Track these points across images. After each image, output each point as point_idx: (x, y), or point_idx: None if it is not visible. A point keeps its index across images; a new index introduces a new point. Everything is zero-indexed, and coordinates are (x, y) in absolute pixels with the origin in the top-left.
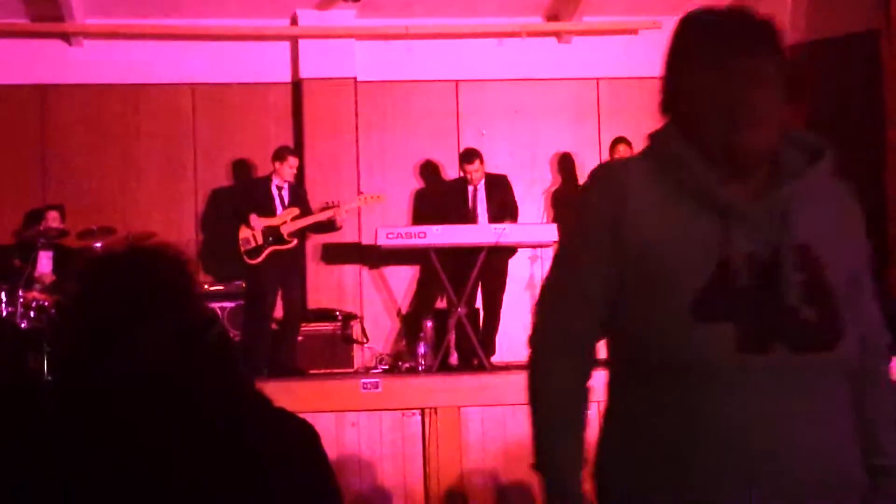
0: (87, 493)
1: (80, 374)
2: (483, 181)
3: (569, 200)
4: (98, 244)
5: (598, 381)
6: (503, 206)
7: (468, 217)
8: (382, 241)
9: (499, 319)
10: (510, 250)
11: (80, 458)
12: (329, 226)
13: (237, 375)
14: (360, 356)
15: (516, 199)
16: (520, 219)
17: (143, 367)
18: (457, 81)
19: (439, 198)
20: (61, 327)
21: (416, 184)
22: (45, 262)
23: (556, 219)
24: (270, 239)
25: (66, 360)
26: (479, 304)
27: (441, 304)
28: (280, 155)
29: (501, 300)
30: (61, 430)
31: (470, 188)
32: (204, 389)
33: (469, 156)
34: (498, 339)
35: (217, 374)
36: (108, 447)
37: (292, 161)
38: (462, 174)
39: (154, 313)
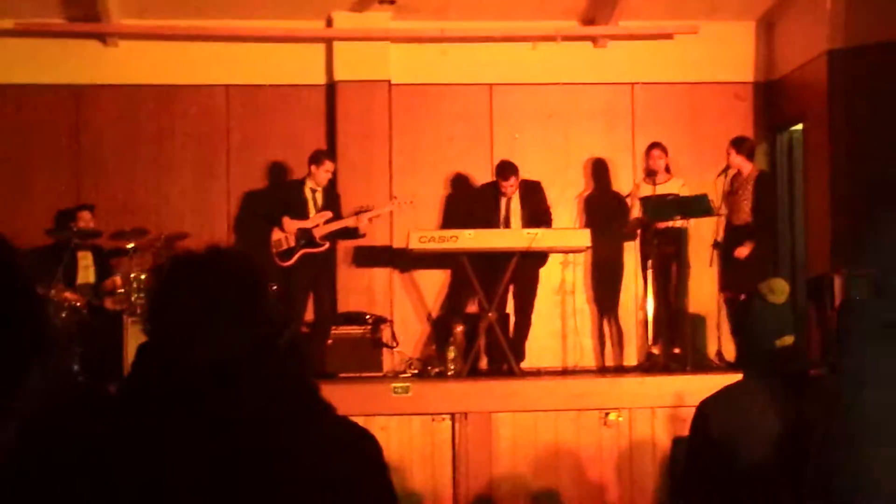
0: (154, 495)
1: (156, 371)
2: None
3: (602, 206)
4: (131, 245)
5: None
6: (536, 212)
7: (500, 223)
8: (414, 245)
9: (529, 325)
10: (542, 256)
11: (152, 459)
12: (352, 232)
13: (303, 381)
14: (389, 360)
15: (549, 204)
16: (553, 224)
17: (217, 366)
18: (491, 85)
19: (471, 203)
20: (143, 323)
21: (449, 188)
22: (83, 263)
23: (589, 224)
24: (303, 242)
25: (144, 357)
26: (509, 309)
27: (471, 308)
28: (317, 158)
29: (532, 305)
30: (134, 431)
31: (503, 199)
32: (268, 392)
33: (505, 172)
34: (528, 344)
35: (283, 379)
36: (177, 447)
37: (328, 165)
38: (497, 186)
39: (231, 314)
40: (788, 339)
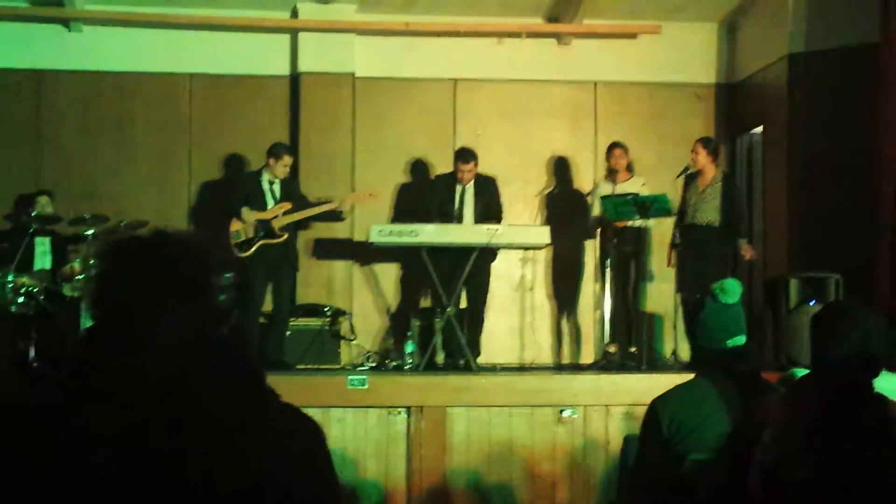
0: (92, 481)
1: (94, 354)
2: (473, 181)
3: (563, 204)
4: (90, 231)
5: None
6: (489, 207)
7: (454, 215)
8: (375, 239)
9: (483, 319)
10: (494, 252)
11: (85, 446)
12: (334, 216)
13: (250, 367)
14: (347, 353)
15: (502, 201)
16: (513, 220)
17: (158, 350)
18: (455, 80)
19: (427, 193)
20: (86, 306)
21: (411, 181)
22: (41, 249)
23: (550, 221)
24: (261, 233)
25: (84, 339)
26: (463, 304)
27: (428, 302)
28: (275, 152)
29: (485, 300)
30: (68, 418)
31: (458, 187)
32: (216, 378)
33: (466, 156)
34: (484, 340)
35: (230, 364)
36: (115, 435)
37: (287, 160)
38: (454, 171)
39: (174, 298)
40: (740, 340)
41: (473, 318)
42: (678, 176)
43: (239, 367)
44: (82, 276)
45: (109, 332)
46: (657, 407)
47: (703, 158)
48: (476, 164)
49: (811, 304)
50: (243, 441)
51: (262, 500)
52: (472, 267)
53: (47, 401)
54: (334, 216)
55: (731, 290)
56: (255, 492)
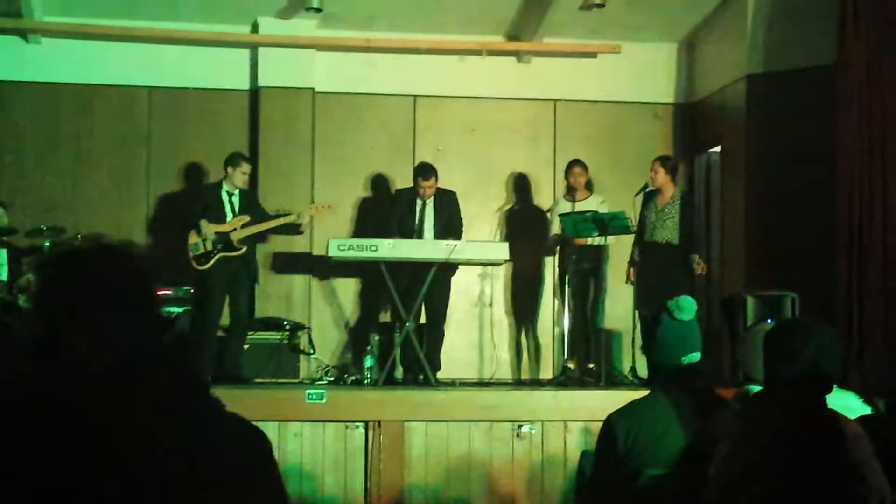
0: (34, 493)
1: (33, 367)
2: (433, 195)
3: (522, 220)
4: (47, 243)
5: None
6: (450, 222)
7: (414, 231)
8: (334, 253)
9: (443, 335)
10: (453, 267)
11: (28, 459)
12: (293, 228)
13: (191, 377)
14: (306, 367)
15: (462, 217)
16: (471, 236)
17: (98, 362)
18: (415, 97)
19: (387, 207)
20: (27, 314)
21: (370, 196)
22: None
23: (509, 238)
24: (220, 245)
25: (24, 352)
26: (422, 319)
27: (387, 317)
28: (233, 160)
29: (445, 315)
30: (8, 428)
31: (419, 202)
32: (158, 389)
33: (426, 172)
34: (444, 355)
35: (172, 375)
36: (53, 446)
37: (245, 167)
38: (415, 187)
39: (115, 309)
40: (695, 356)
41: (433, 333)
42: (637, 194)
43: (182, 377)
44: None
45: (50, 344)
46: (613, 422)
47: (661, 177)
48: (436, 180)
49: (768, 321)
50: (187, 450)
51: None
52: (432, 282)
53: None
54: (293, 229)
55: (687, 308)
56: (200, 501)
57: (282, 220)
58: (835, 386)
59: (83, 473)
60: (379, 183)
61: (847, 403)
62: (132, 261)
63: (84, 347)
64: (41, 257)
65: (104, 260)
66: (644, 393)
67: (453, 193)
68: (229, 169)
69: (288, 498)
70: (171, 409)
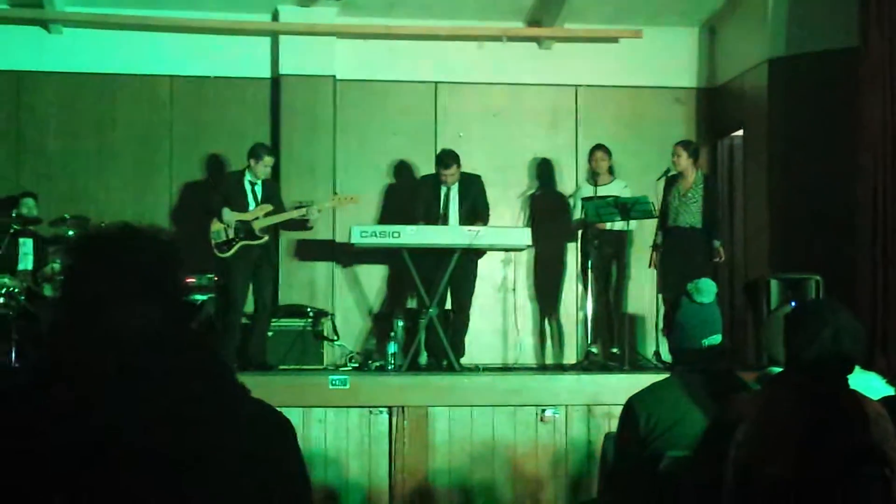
0: (62, 472)
1: (62, 348)
2: (458, 181)
3: (544, 206)
4: (71, 232)
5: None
6: (475, 207)
7: (439, 217)
8: (356, 240)
9: (468, 320)
10: (478, 252)
11: (58, 436)
12: (301, 224)
13: (218, 363)
14: (330, 354)
15: (488, 201)
16: (494, 222)
17: (126, 344)
18: (436, 83)
19: (411, 195)
20: (53, 300)
21: (392, 184)
22: (24, 250)
23: (531, 223)
24: (242, 234)
25: (51, 333)
26: (448, 304)
27: (412, 303)
28: (256, 153)
29: (470, 301)
30: (38, 409)
31: (443, 188)
32: (183, 373)
33: (446, 159)
34: (468, 340)
35: (198, 360)
36: (84, 426)
37: (268, 160)
38: (437, 174)
39: (142, 292)
40: (716, 339)
41: (458, 319)
42: (659, 178)
43: (207, 362)
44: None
45: (75, 326)
46: (634, 405)
47: (684, 161)
48: (458, 167)
49: (791, 305)
50: (210, 436)
51: (230, 494)
52: (458, 268)
53: (13, 399)
54: (302, 225)
55: (707, 290)
56: (224, 486)
57: (304, 212)
58: (858, 367)
59: (104, 457)
60: (401, 170)
61: (870, 384)
62: (159, 245)
63: (107, 330)
64: (69, 241)
65: (131, 244)
66: (666, 376)
67: (478, 177)
68: (252, 161)
69: (310, 486)
70: (195, 394)
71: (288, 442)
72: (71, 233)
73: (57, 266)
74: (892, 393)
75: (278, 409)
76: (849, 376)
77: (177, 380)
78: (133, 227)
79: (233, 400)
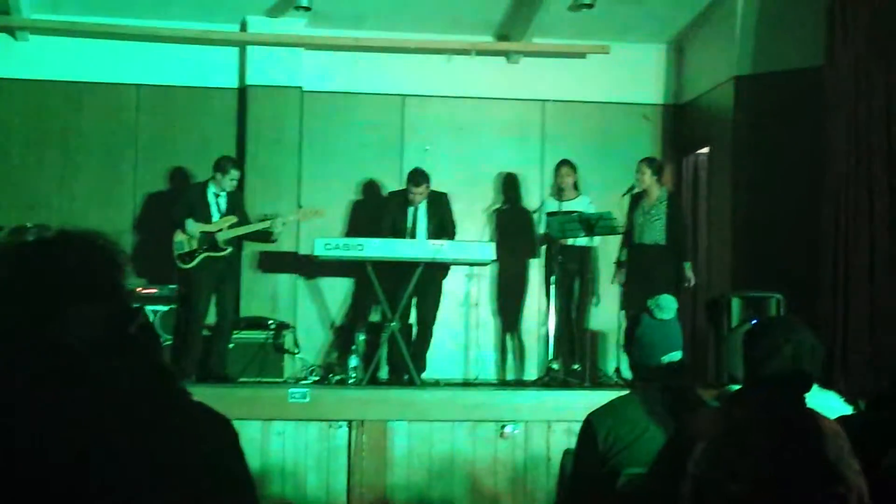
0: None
1: (6, 354)
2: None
3: (510, 220)
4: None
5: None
6: (442, 223)
7: (407, 232)
8: (320, 252)
9: (431, 336)
10: (444, 267)
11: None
12: (265, 237)
13: (158, 367)
14: (291, 366)
15: (454, 217)
16: (460, 236)
17: (64, 350)
18: (403, 96)
19: (378, 211)
20: None
21: (358, 197)
22: None
23: (496, 238)
24: (205, 245)
25: None
26: (412, 319)
27: (375, 317)
28: (222, 166)
29: (434, 316)
30: None
31: (410, 205)
32: (124, 377)
33: (417, 178)
34: (431, 355)
35: (138, 364)
36: (28, 430)
37: (234, 174)
38: (407, 193)
39: (81, 298)
40: (676, 355)
41: (421, 334)
42: (623, 195)
43: (148, 366)
44: None
45: (14, 335)
46: (593, 421)
47: (647, 178)
48: (428, 187)
49: (753, 323)
50: (152, 439)
51: (170, 497)
52: (423, 282)
53: None
54: (265, 237)
55: (667, 307)
56: (164, 490)
57: (267, 224)
58: (816, 385)
59: (46, 462)
60: (368, 183)
61: (828, 403)
62: (95, 249)
63: (48, 335)
64: (2, 247)
65: (67, 248)
66: (626, 392)
67: (445, 195)
68: (218, 174)
69: (254, 487)
70: (135, 398)
71: (230, 445)
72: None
73: None
74: (850, 412)
75: (238, 421)
76: (807, 395)
77: (115, 383)
78: (68, 231)
79: (172, 403)
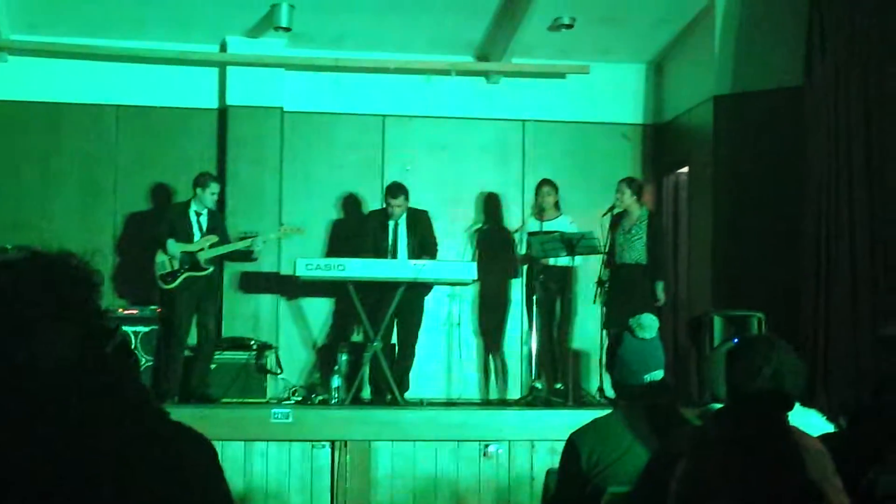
0: None
1: None
2: (405, 215)
3: (491, 240)
4: None
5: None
6: (423, 242)
7: (388, 251)
8: (301, 272)
9: (413, 355)
10: (426, 286)
11: None
12: (245, 255)
13: (135, 386)
14: (273, 387)
15: (436, 235)
16: (441, 255)
17: (38, 371)
18: (384, 116)
19: (359, 229)
20: None
21: (339, 216)
22: None
23: (478, 258)
24: (186, 265)
25: None
26: (394, 338)
27: (357, 337)
28: (201, 181)
29: (416, 336)
30: None
31: (391, 222)
32: (100, 397)
33: (395, 190)
34: (413, 375)
35: (114, 384)
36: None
37: (214, 188)
38: (385, 206)
39: (54, 318)
40: (658, 375)
41: (403, 353)
42: (604, 215)
43: (123, 386)
44: None
45: None
46: (576, 440)
47: (627, 198)
48: (406, 199)
49: (734, 342)
50: (128, 460)
51: None
52: (404, 302)
53: None
54: (246, 256)
55: (649, 326)
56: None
57: (248, 243)
58: (798, 404)
59: (19, 484)
60: (348, 202)
61: (809, 421)
62: (68, 270)
63: (22, 358)
64: None
65: (38, 269)
66: (609, 412)
67: (425, 213)
68: (198, 190)
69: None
70: (109, 419)
71: (208, 463)
72: None
73: None
74: (832, 430)
75: (221, 442)
76: (789, 413)
77: (87, 405)
78: (39, 252)
79: (149, 423)
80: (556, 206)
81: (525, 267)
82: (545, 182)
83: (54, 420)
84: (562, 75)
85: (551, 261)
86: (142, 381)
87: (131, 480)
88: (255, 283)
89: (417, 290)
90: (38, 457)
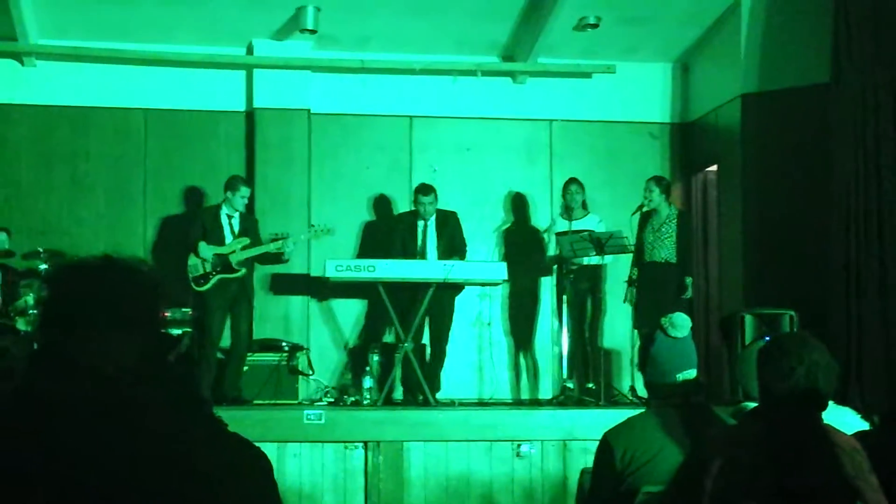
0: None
1: (37, 378)
2: (434, 217)
3: (519, 240)
4: (43, 266)
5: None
6: (452, 242)
7: (417, 252)
8: (332, 274)
9: (444, 355)
10: (457, 287)
11: (31, 464)
12: (276, 257)
13: (194, 397)
14: (305, 388)
15: (464, 236)
16: (470, 256)
17: (101, 377)
18: (411, 117)
19: (389, 231)
20: (35, 330)
21: (368, 217)
22: None
23: (506, 258)
24: (219, 268)
25: (35, 364)
26: (425, 339)
27: (388, 338)
28: (232, 185)
29: (447, 336)
30: (13, 436)
31: (420, 223)
32: (158, 405)
33: (426, 188)
34: (445, 375)
35: (174, 393)
36: (58, 455)
37: (244, 191)
38: (415, 206)
39: (119, 324)
40: (690, 373)
41: (435, 354)
42: (633, 213)
43: (183, 395)
44: (35, 310)
45: (52, 357)
46: (610, 440)
47: (656, 197)
48: (436, 198)
49: (766, 340)
50: (187, 469)
51: None
52: (435, 302)
53: None
54: (277, 258)
55: (681, 325)
56: None
57: (279, 245)
58: (832, 402)
59: (75, 489)
60: (377, 203)
61: (844, 419)
62: (138, 276)
63: (85, 360)
64: (48, 272)
65: (111, 275)
66: (642, 411)
67: (454, 214)
68: (228, 193)
69: None
70: (170, 426)
71: (264, 477)
72: (43, 266)
73: (31, 300)
74: (867, 427)
75: (253, 443)
76: (823, 412)
77: (153, 414)
78: (113, 258)
79: (208, 433)
80: (584, 205)
81: (555, 266)
82: (572, 181)
83: (114, 425)
84: (588, 75)
85: (583, 260)
86: (203, 391)
87: (188, 487)
88: (285, 285)
89: (448, 291)
90: (95, 462)
